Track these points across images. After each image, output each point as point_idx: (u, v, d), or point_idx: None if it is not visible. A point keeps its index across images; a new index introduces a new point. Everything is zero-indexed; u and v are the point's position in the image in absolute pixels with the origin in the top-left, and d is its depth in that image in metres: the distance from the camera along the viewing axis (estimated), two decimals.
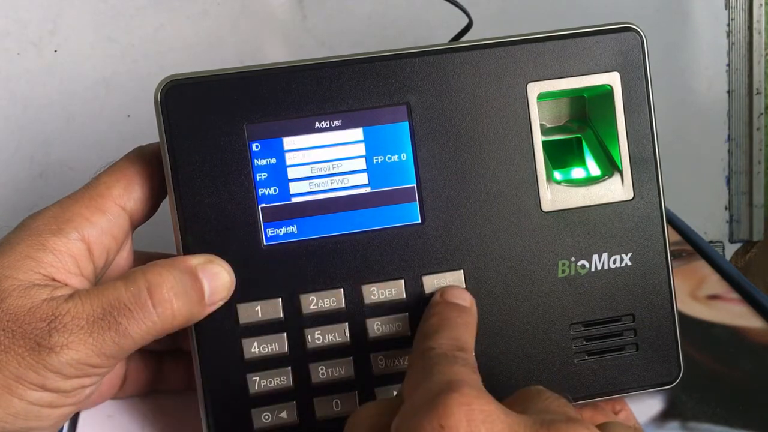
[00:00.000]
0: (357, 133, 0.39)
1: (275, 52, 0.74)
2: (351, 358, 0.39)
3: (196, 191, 0.38)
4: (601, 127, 0.42)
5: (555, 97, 0.42)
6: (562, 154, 0.42)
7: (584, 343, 0.40)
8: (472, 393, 0.27)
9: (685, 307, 0.49)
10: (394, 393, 0.39)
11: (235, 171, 0.38)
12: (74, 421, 0.42)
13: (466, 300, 0.38)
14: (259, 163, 0.38)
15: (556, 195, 0.40)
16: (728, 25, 0.82)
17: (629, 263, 0.40)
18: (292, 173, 0.39)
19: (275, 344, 0.38)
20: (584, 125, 0.43)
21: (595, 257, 0.40)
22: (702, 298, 0.51)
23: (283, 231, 0.38)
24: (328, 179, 0.39)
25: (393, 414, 0.29)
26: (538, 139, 0.40)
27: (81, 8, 0.69)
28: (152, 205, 0.39)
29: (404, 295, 0.39)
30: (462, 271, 0.39)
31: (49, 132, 0.70)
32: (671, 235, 0.53)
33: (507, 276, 0.39)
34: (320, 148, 0.39)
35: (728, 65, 0.83)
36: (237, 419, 0.38)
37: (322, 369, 0.38)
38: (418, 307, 0.39)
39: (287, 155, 0.38)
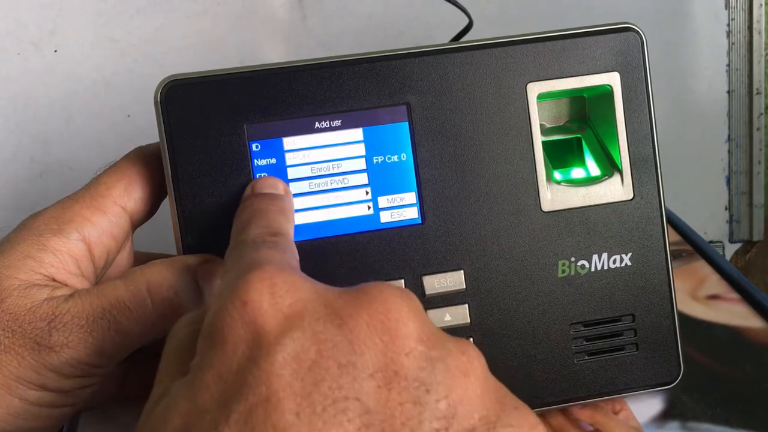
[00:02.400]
0: (357, 134, 0.39)
1: (275, 52, 0.74)
2: None
3: (196, 191, 0.38)
4: (601, 127, 0.42)
5: (555, 97, 0.42)
6: (561, 154, 0.42)
7: (584, 343, 0.40)
8: (274, 269, 0.26)
9: (685, 307, 0.49)
10: None
11: (235, 171, 0.38)
12: (74, 421, 0.42)
13: (279, 188, 0.37)
14: (259, 163, 0.38)
15: (556, 195, 0.40)
16: (728, 25, 0.82)
17: (629, 263, 0.40)
18: (292, 173, 0.39)
19: None
20: (584, 125, 0.43)
21: (595, 257, 0.40)
22: (702, 298, 0.51)
23: None
24: (328, 179, 0.39)
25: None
26: (538, 139, 0.40)
27: (81, 8, 0.69)
28: (152, 206, 0.39)
29: None
30: (462, 271, 0.39)
31: (49, 132, 0.70)
32: (671, 235, 0.53)
33: (507, 276, 0.39)
34: (320, 148, 0.39)
35: (728, 65, 0.83)
36: None
37: None
38: None
39: (287, 155, 0.38)
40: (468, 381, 0.25)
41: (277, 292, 0.25)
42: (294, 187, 0.39)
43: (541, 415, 0.41)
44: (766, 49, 0.83)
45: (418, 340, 0.25)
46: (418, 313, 0.26)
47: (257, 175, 0.38)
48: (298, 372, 0.23)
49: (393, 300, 0.25)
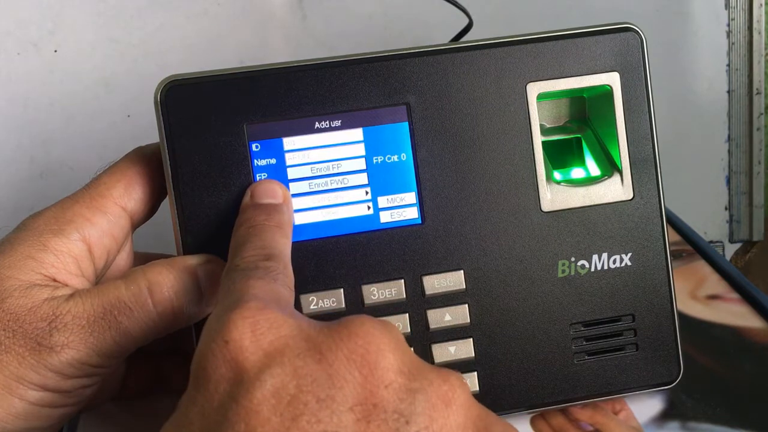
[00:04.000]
0: (357, 134, 0.39)
1: (275, 52, 0.74)
2: None
3: (196, 191, 0.38)
4: (601, 127, 0.42)
5: (555, 97, 0.42)
6: (561, 154, 0.42)
7: (584, 343, 0.40)
8: (257, 306, 0.27)
9: (685, 307, 0.49)
10: None
11: (235, 171, 0.38)
12: (74, 421, 0.42)
13: (278, 195, 0.37)
14: (259, 164, 0.38)
15: (555, 195, 0.40)
16: (728, 25, 0.82)
17: (629, 263, 0.40)
18: (292, 173, 0.39)
19: None
20: (584, 125, 0.43)
21: (595, 257, 0.40)
22: (702, 298, 0.51)
23: None
24: (328, 179, 0.39)
25: None
26: (538, 139, 0.40)
27: (81, 8, 0.69)
28: (152, 206, 0.39)
29: (404, 295, 0.39)
30: (462, 271, 0.39)
31: (49, 132, 0.70)
32: (671, 235, 0.53)
33: (507, 276, 0.40)
34: (320, 149, 0.39)
35: (728, 65, 0.83)
36: None
37: None
38: (419, 307, 0.39)
39: (287, 155, 0.38)
40: (450, 410, 0.25)
41: (259, 330, 0.26)
42: (294, 188, 0.39)
43: (541, 415, 0.41)
44: (766, 49, 0.83)
45: (398, 372, 0.25)
46: (398, 345, 0.26)
47: (257, 176, 0.38)
48: (277, 407, 0.24)
49: (373, 333, 0.26)
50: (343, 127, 0.39)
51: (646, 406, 0.42)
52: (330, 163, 0.39)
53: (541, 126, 0.40)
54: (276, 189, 0.37)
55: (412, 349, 0.27)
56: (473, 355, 0.39)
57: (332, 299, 0.38)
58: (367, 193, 0.39)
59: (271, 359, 0.25)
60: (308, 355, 0.25)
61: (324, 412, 0.24)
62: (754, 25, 0.82)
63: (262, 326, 0.26)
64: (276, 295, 0.29)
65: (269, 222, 0.35)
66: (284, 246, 0.34)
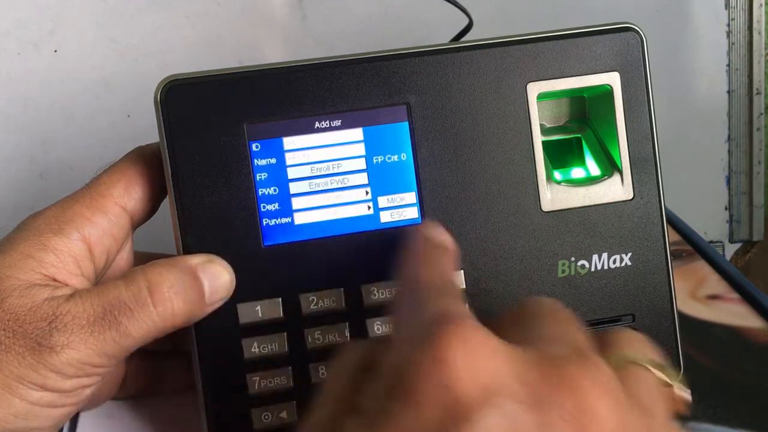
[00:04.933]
0: (357, 133, 0.39)
1: (275, 52, 0.74)
2: None
3: (196, 191, 0.38)
4: (601, 127, 0.42)
5: (555, 97, 0.42)
6: (562, 154, 0.42)
7: None
8: (469, 324, 0.25)
9: (685, 307, 0.49)
10: None
11: (235, 171, 0.38)
12: (74, 421, 0.42)
13: (449, 242, 0.35)
14: (259, 163, 0.38)
15: (556, 195, 0.40)
16: (728, 25, 0.82)
17: (629, 263, 0.40)
18: (292, 173, 0.39)
19: (275, 344, 0.38)
20: (584, 125, 0.43)
21: (595, 257, 0.40)
22: (702, 298, 0.51)
23: (283, 231, 0.38)
24: (328, 179, 0.39)
25: (381, 352, 0.27)
26: (538, 139, 0.40)
27: (81, 8, 0.69)
28: (152, 205, 0.39)
29: None
30: (462, 271, 0.39)
31: (49, 132, 0.70)
32: (671, 235, 0.53)
33: (507, 276, 0.40)
34: (320, 148, 0.39)
35: (728, 65, 0.83)
36: (237, 419, 0.38)
37: (322, 369, 0.38)
38: None
39: (287, 155, 0.38)
40: None
41: (475, 357, 0.24)
42: (294, 187, 0.39)
43: None
44: (766, 49, 0.83)
45: None
46: (616, 405, 0.25)
47: (257, 176, 0.38)
48: None
49: (593, 393, 0.24)
50: (343, 126, 0.39)
51: None
52: (330, 163, 0.39)
53: (541, 126, 0.40)
54: (446, 236, 0.35)
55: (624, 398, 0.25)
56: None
57: (332, 299, 0.38)
58: (367, 192, 0.39)
59: (486, 398, 0.23)
60: (524, 402, 0.24)
61: None
62: (754, 25, 0.82)
63: (478, 352, 0.24)
64: (475, 319, 0.27)
65: (444, 258, 0.33)
66: (457, 282, 0.33)
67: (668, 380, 0.29)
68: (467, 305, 0.30)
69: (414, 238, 0.34)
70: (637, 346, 0.29)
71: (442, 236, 0.35)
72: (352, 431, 0.24)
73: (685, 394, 0.29)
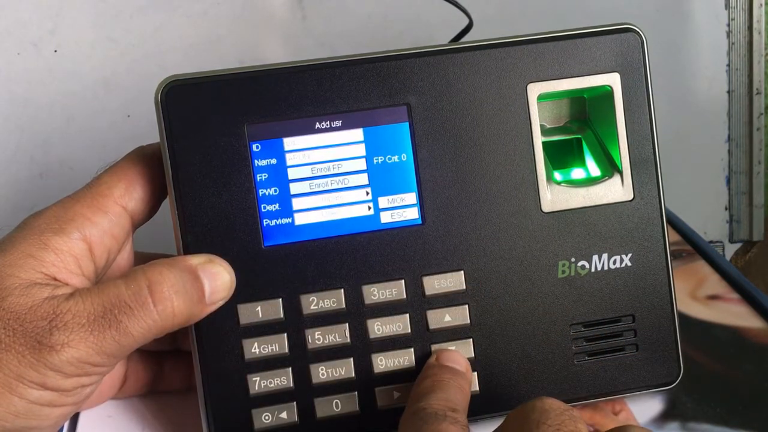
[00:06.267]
0: (357, 134, 0.39)
1: (275, 52, 0.74)
2: (351, 358, 0.39)
3: (197, 191, 0.38)
4: (601, 128, 0.42)
5: (555, 97, 0.42)
6: (562, 155, 0.42)
7: (584, 343, 0.40)
8: None
9: (685, 307, 0.49)
10: (394, 393, 0.39)
11: (236, 171, 0.38)
12: (74, 421, 0.42)
13: (462, 365, 0.38)
14: (260, 164, 0.38)
15: (556, 195, 0.40)
16: (728, 25, 0.82)
17: (629, 264, 0.40)
18: (292, 174, 0.39)
19: (276, 345, 0.38)
20: (584, 126, 0.43)
21: (595, 258, 0.40)
22: (702, 298, 0.51)
23: (283, 232, 0.38)
24: (329, 180, 0.39)
25: None
26: (538, 139, 0.40)
27: (81, 8, 0.69)
28: (153, 205, 0.39)
29: (404, 296, 0.39)
30: (462, 271, 0.39)
31: (49, 132, 0.70)
32: (671, 235, 0.53)
33: (507, 276, 0.40)
34: (320, 149, 0.39)
35: (728, 65, 0.83)
36: (237, 419, 0.38)
37: (322, 369, 0.38)
38: (419, 307, 0.39)
39: (287, 156, 0.38)
40: None
41: None
42: (294, 188, 0.39)
43: None
44: (766, 49, 0.83)
45: None
46: None
47: (257, 177, 0.38)
48: None
49: None
50: (344, 127, 0.39)
51: (646, 407, 0.42)
52: (330, 164, 0.39)
53: (542, 126, 0.40)
54: (460, 358, 0.38)
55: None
56: (473, 355, 0.39)
57: (332, 299, 0.38)
58: (367, 193, 0.39)
59: None
60: None
61: None
62: (754, 25, 0.82)
63: None
64: None
65: (453, 382, 0.36)
66: (465, 406, 0.35)
67: None
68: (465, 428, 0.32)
69: (427, 363, 0.38)
70: None
71: (455, 361, 0.38)
72: None
73: None
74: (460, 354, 0.39)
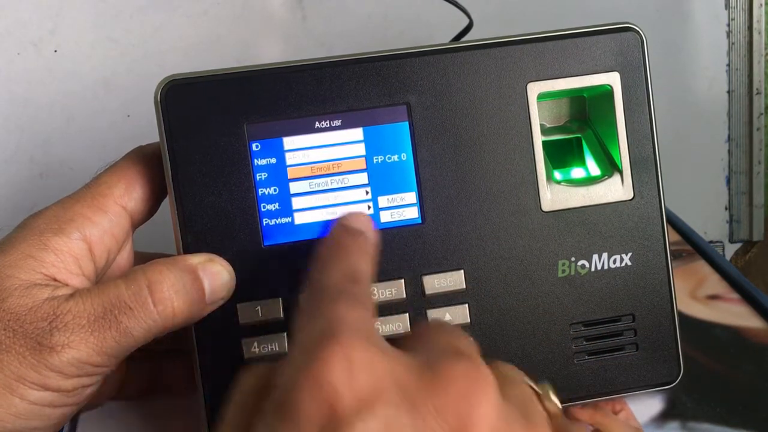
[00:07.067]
0: (357, 133, 0.39)
1: (275, 52, 0.74)
2: None
3: (196, 191, 0.38)
4: (601, 127, 0.42)
5: (555, 97, 0.42)
6: (562, 154, 0.42)
7: (584, 343, 0.40)
8: (350, 339, 0.26)
9: (685, 307, 0.49)
10: None
11: (235, 171, 0.38)
12: (74, 421, 0.42)
13: (365, 224, 0.35)
14: (259, 163, 0.38)
15: (556, 195, 0.40)
16: (728, 25, 0.82)
17: (629, 263, 0.40)
18: (292, 173, 0.39)
19: (275, 344, 0.38)
20: (584, 125, 0.43)
21: (595, 257, 0.40)
22: (702, 298, 0.51)
23: (283, 231, 0.38)
24: (328, 179, 0.39)
25: (276, 372, 0.28)
26: (538, 139, 0.40)
27: (81, 8, 0.69)
28: (153, 205, 0.39)
29: (404, 295, 0.39)
30: (462, 271, 0.39)
31: (49, 132, 0.70)
32: (671, 235, 0.53)
33: (507, 276, 0.40)
34: (320, 148, 0.39)
35: (728, 65, 0.83)
36: None
37: None
38: (419, 306, 0.39)
39: (287, 155, 0.38)
40: None
41: (354, 370, 0.25)
42: (294, 187, 0.39)
43: None
44: (766, 49, 0.83)
45: (491, 429, 0.25)
46: (493, 403, 0.26)
47: (257, 176, 0.38)
48: None
49: (467, 387, 0.25)
50: (343, 126, 0.39)
51: (646, 406, 0.42)
52: (330, 163, 0.39)
53: (542, 126, 0.40)
54: (364, 218, 0.36)
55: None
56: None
57: None
58: (367, 192, 0.39)
59: (365, 406, 0.24)
60: (401, 405, 0.25)
61: None
62: (754, 25, 0.82)
63: (356, 366, 0.25)
64: (365, 324, 0.28)
65: (355, 246, 0.34)
66: (369, 271, 0.33)
67: (540, 391, 0.30)
68: (370, 304, 0.30)
69: (331, 226, 0.35)
70: (510, 368, 0.31)
71: (358, 222, 0.35)
72: None
73: (555, 406, 0.30)
74: (363, 213, 0.36)
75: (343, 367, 0.25)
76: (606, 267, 0.40)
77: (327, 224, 0.38)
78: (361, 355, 0.25)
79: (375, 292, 0.39)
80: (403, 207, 0.39)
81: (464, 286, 0.39)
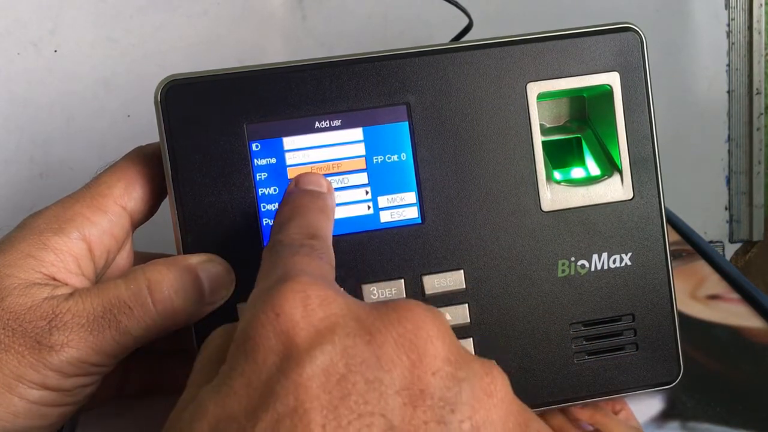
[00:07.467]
0: (357, 133, 0.39)
1: (275, 52, 0.74)
2: None
3: (196, 191, 0.38)
4: (601, 127, 0.42)
5: (555, 97, 0.42)
6: (561, 154, 0.42)
7: (584, 342, 0.40)
8: (308, 280, 0.26)
9: (685, 307, 0.49)
10: None
11: (235, 171, 0.38)
12: (74, 421, 0.42)
13: (323, 185, 0.36)
14: (259, 163, 0.38)
15: (555, 195, 0.40)
16: (728, 25, 0.82)
17: (629, 263, 0.40)
18: (292, 173, 0.39)
19: None
20: (584, 125, 0.43)
21: (595, 257, 0.40)
22: (702, 298, 0.51)
23: None
24: (328, 179, 0.39)
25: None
26: (538, 139, 0.40)
27: (81, 8, 0.69)
28: (152, 205, 0.39)
29: (404, 295, 0.39)
30: (462, 271, 0.39)
31: (49, 132, 0.70)
32: (671, 235, 0.53)
33: (507, 276, 0.40)
34: (320, 148, 0.39)
35: (728, 65, 0.83)
36: None
37: None
38: None
39: (287, 155, 0.38)
40: (492, 402, 0.25)
41: (310, 305, 0.26)
42: None
43: (541, 415, 0.41)
44: (766, 49, 0.83)
45: (445, 360, 0.25)
46: (446, 333, 0.26)
47: (257, 176, 0.38)
48: (326, 385, 0.24)
49: (422, 318, 0.26)
50: (343, 126, 0.39)
51: (646, 406, 0.42)
52: (330, 163, 0.39)
53: (541, 126, 0.40)
54: (320, 180, 0.36)
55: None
56: (473, 354, 0.39)
57: None
58: (367, 192, 0.39)
59: (322, 336, 0.25)
60: (358, 336, 0.25)
61: (372, 393, 0.24)
62: (754, 25, 0.82)
63: (313, 301, 0.26)
64: (323, 272, 0.29)
65: (313, 205, 0.34)
66: (327, 228, 0.34)
67: None
68: (330, 258, 0.31)
69: (286, 189, 0.36)
70: None
71: (315, 183, 0.36)
72: (204, 397, 0.25)
73: None
74: (320, 175, 0.36)
75: (300, 301, 0.26)
76: (606, 267, 0.40)
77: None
78: (318, 293, 0.26)
79: (375, 292, 0.39)
80: (402, 207, 0.39)
81: (464, 286, 0.39)
